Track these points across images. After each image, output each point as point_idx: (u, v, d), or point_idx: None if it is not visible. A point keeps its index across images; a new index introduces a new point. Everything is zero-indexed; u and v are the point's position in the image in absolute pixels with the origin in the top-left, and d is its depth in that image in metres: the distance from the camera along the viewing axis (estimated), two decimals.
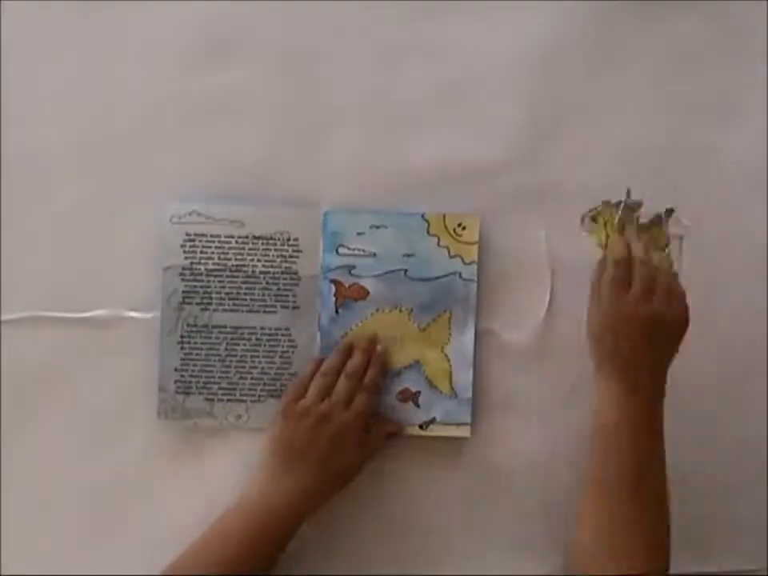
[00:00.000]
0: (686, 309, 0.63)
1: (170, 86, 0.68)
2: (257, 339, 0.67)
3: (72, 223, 0.67)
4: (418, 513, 0.68)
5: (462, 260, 0.67)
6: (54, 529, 0.67)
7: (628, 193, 0.67)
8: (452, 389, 0.67)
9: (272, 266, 0.67)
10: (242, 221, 0.67)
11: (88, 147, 0.68)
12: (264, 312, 0.67)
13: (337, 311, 0.67)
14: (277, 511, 0.61)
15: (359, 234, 0.67)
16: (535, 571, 0.68)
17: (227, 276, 0.67)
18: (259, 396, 0.67)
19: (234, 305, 0.67)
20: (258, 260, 0.67)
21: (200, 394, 0.67)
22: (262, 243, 0.67)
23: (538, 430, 0.68)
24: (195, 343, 0.67)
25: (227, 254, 0.67)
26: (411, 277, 0.67)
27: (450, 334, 0.67)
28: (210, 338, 0.67)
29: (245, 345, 0.67)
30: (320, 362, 0.66)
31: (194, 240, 0.67)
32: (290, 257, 0.67)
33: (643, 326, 0.61)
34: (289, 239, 0.67)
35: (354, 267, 0.67)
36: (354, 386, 0.64)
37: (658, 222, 0.68)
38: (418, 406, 0.67)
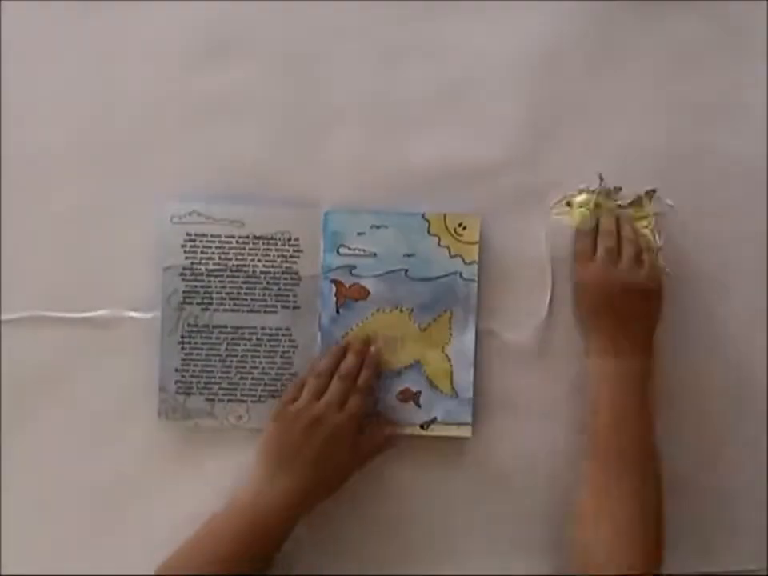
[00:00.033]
0: (657, 276, 0.65)
1: (170, 86, 0.68)
2: (257, 339, 0.67)
3: (72, 223, 0.68)
4: (418, 513, 0.68)
5: (463, 260, 0.67)
6: (54, 529, 0.67)
7: (600, 177, 0.68)
8: (453, 389, 0.67)
9: (272, 266, 0.67)
10: (243, 221, 0.67)
11: (88, 147, 0.68)
12: (265, 312, 0.67)
13: (337, 311, 0.67)
14: (269, 511, 0.61)
15: (360, 233, 0.67)
16: (535, 571, 0.68)
17: (228, 276, 0.67)
18: (260, 396, 0.67)
19: (235, 305, 0.67)
20: (259, 260, 0.67)
21: (201, 394, 0.67)
22: (263, 243, 0.67)
23: (538, 429, 0.68)
24: (196, 343, 0.67)
25: (228, 253, 0.67)
26: (412, 277, 0.67)
27: (450, 334, 0.67)
28: (211, 338, 0.67)
29: (245, 345, 0.67)
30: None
31: (194, 240, 0.67)
32: (291, 257, 0.67)
33: (608, 295, 0.64)
34: (289, 239, 0.67)
35: (354, 267, 0.67)
36: (348, 387, 0.64)
37: (638, 201, 0.68)
38: (419, 405, 0.67)
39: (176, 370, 0.66)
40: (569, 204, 0.68)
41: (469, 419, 0.67)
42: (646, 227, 0.68)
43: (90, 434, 0.67)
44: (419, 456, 0.68)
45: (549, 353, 0.68)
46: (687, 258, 0.69)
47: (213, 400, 0.67)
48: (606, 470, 0.62)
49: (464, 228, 0.67)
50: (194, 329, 0.67)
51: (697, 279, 0.69)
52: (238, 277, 0.67)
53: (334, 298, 0.67)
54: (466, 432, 0.67)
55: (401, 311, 0.67)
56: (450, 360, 0.67)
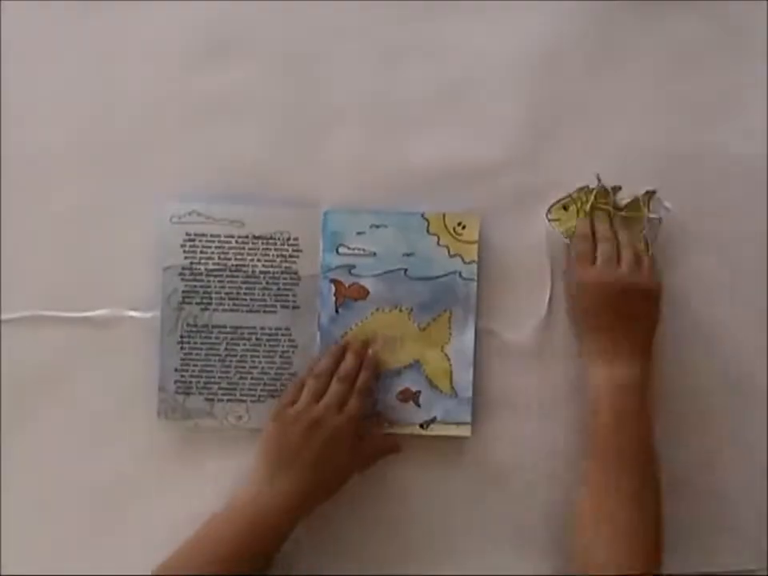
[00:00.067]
0: (654, 278, 0.65)
1: (170, 86, 0.68)
2: (257, 339, 0.67)
3: (72, 223, 0.68)
4: (417, 512, 0.68)
5: (462, 259, 0.67)
6: (54, 529, 0.67)
7: (598, 177, 0.67)
8: (452, 388, 0.67)
9: (272, 266, 0.67)
10: (242, 221, 0.67)
11: (88, 147, 0.68)
12: (264, 312, 0.67)
13: (337, 311, 0.67)
14: (269, 511, 0.61)
15: (359, 233, 0.67)
16: (535, 571, 0.68)
17: (227, 276, 0.67)
18: (259, 396, 0.67)
19: (234, 305, 0.67)
20: (258, 260, 0.67)
21: (200, 394, 0.67)
22: (262, 243, 0.67)
23: (538, 429, 0.68)
24: (195, 343, 0.67)
25: (227, 253, 0.67)
26: (411, 276, 0.67)
27: (450, 334, 0.67)
28: (210, 337, 0.67)
29: (245, 345, 0.67)
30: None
31: (194, 240, 0.67)
32: (290, 256, 0.67)
33: (609, 295, 0.64)
34: (289, 239, 0.67)
35: (353, 267, 0.67)
36: (347, 389, 0.64)
37: (636, 203, 0.68)
38: (419, 405, 0.67)
39: (175, 370, 0.67)
40: (565, 207, 0.68)
41: (468, 419, 0.67)
42: (641, 231, 0.67)
43: (89, 434, 0.67)
44: (419, 456, 0.67)
45: (548, 352, 0.68)
46: (687, 258, 0.69)
47: (212, 400, 0.67)
48: (606, 470, 0.62)
49: (463, 227, 0.67)
50: (194, 328, 0.67)
51: (697, 279, 0.69)
52: (237, 277, 0.67)
53: (334, 298, 0.67)
54: (465, 431, 0.67)
55: (400, 311, 0.67)
56: (449, 359, 0.67)
